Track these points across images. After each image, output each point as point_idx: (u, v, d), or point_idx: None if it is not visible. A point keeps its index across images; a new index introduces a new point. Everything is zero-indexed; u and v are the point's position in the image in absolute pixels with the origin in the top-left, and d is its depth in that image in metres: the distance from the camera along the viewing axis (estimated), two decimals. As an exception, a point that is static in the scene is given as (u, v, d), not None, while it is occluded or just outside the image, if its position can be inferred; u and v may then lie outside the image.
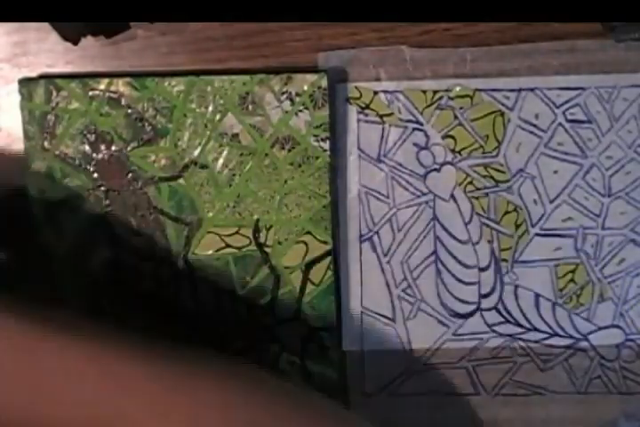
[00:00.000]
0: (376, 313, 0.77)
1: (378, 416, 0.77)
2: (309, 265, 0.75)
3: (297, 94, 0.74)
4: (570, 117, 0.76)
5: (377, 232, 0.76)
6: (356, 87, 0.76)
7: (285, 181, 0.74)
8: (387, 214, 0.76)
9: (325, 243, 0.74)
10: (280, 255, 0.75)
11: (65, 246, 0.74)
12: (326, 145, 0.74)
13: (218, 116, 0.73)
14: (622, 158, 0.77)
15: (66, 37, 0.73)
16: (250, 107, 0.74)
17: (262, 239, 0.74)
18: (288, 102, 0.74)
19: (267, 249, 0.75)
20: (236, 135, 0.74)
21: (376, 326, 0.77)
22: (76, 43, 0.74)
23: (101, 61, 0.76)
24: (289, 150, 0.74)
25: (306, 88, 0.73)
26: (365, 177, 0.76)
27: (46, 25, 0.73)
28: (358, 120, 0.76)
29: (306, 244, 0.75)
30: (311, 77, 0.73)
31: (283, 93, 0.74)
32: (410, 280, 0.77)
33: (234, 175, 0.74)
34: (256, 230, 0.74)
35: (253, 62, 0.76)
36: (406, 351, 0.77)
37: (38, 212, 0.74)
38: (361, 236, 0.76)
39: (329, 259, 0.75)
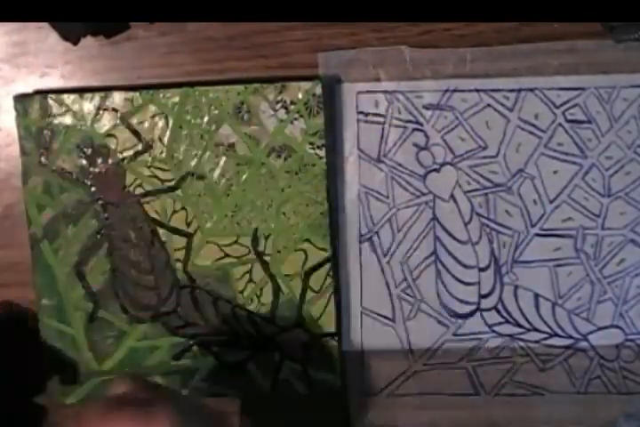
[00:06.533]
0: (376, 313, 0.77)
1: (378, 416, 0.79)
2: (309, 272, 0.75)
3: (292, 102, 0.73)
4: (569, 118, 0.76)
5: (377, 232, 0.77)
6: (355, 88, 0.75)
7: (282, 190, 0.74)
8: (387, 214, 0.76)
9: (324, 250, 0.75)
10: (279, 263, 0.75)
11: (65, 260, 0.75)
12: (322, 152, 0.74)
13: (213, 127, 0.74)
14: (622, 159, 0.76)
15: (66, 37, 0.73)
16: (245, 116, 0.73)
17: (261, 248, 0.75)
18: (283, 111, 0.73)
19: (266, 258, 0.75)
20: (232, 145, 0.74)
21: (376, 327, 0.77)
22: (76, 43, 0.74)
23: (101, 61, 0.76)
24: (285, 159, 0.74)
25: (300, 96, 0.73)
26: (365, 177, 0.76)
27: (46, 25, 0.73)
28: (358, 120, 0.76)
29: (305, 251, 0.75)
30: (305, 85, 0.73)
31: (277, 102, 0.73)
32: (410, 280, 0.77)
33: (231, 185, 0.74)
34: (254, 239, 0.75)
35: (253, 62, 0.76)
36: (406, 351, 0.78)
37: (37, 227, 0.74)
38: (361, 236, 0.77)
39: (328, 266, 0.75)
